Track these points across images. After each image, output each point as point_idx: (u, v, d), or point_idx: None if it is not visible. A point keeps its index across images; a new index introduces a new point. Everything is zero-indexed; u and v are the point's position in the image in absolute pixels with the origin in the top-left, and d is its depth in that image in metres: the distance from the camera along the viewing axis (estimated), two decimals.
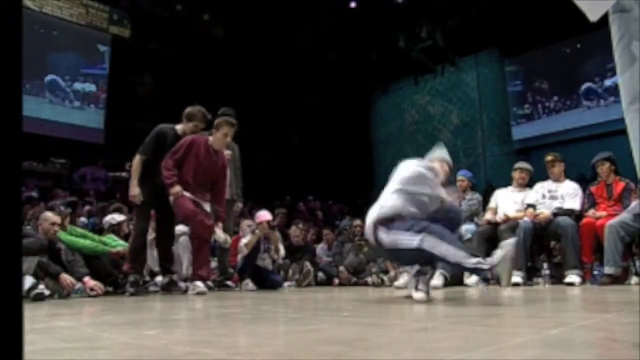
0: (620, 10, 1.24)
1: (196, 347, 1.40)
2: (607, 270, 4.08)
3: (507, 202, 5.02)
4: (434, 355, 1.20)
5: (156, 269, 5.07)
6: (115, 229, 5.00)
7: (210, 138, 4.37)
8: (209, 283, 5.01)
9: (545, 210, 4.61)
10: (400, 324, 2.00)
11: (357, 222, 6.26)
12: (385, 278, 5.26)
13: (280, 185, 11.61)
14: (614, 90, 10.46)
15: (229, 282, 5.04)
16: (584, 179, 6.49)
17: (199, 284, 4.13)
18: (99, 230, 5.50)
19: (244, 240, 5.17)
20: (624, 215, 4.20)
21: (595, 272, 4.40)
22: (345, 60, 13.06)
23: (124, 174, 8.80)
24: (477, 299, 3.36)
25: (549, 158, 4.94)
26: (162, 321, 2.32)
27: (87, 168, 10.20)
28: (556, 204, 4.67)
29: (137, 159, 4.29)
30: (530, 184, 5.08)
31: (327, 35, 12.41)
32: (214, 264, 5.72)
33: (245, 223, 5.74)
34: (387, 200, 2.85)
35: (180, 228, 5.27)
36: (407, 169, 2.92)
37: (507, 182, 5.44)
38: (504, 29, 11.39)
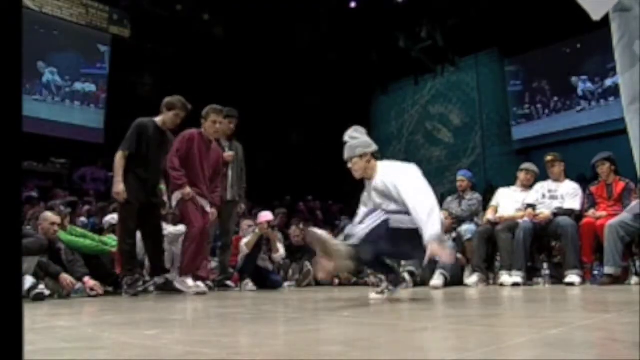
0: (620, 9, 1.24)
1: (196, 347, 1.40)
2: (607, 270, 4.08)
3: (508, 201, 5.01)
4: (434, 355, 1.20)
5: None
6: (115, 229, 5.00)
7: (203, 130, 4.37)
8: (209, 283, 5.01)
9: (545, 211, 4.61)
10: (400, 324, 2.00)
11: None
12: None
13: (280, 185, 11.61)
14: (614, 90, 10.46)
15: (229, 282, 5.04)
16: (584, 179, 6.49)
17: (200, 283, 4.13)
18: (99, 230, 5.50)
19: (244, 240, 5.18)
20: (624, 215, 4.20)
21: (595, 272, 4.40)
22: (345, 60, 13.06)
23: None
24: (477, 299, 3.36)
25: (548, 158, 4.94)
26: (162, 321, 2.32)
27: (87, 168, 10.20)
28: (556, 204, 4.67)
29: (119, 155, 4.18)
30: (532, 185, 5.08)
31: (327, 35, 12.41)
32: (214, 264, 5.72)
33: (246, 223, 5.74)
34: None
35: (180, 228, 5.27)
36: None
37: (507, 182, 5.44)
38: (504, 29, 11.39)
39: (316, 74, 12.86)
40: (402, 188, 2.82)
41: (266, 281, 5.06)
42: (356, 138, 3.13)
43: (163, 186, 4.49)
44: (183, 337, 1.69)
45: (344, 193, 11.91)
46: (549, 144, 10.63)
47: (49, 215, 4.16)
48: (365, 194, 3.17)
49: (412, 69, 13.77)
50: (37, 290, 3.40)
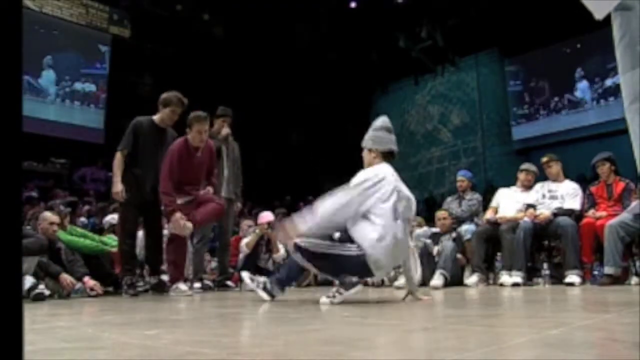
0: (622, 8, 1.24)
1: (196, 347, 1.39)
2: (607, 270, 4.08)
3: (509, 201, 5.01)
4: (434, 355, 1.20)
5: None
6: (115, 229, 5.00)
7: (189, 137, 4.21)
8: (209, 283, 5.01)
9: (545, 211, 4.61)
10: (400, 324, 2.00)
11: None
12: (385, 278, 5.26)
13: (280, 185, 11.61)
14: (614, 90, 10.47)
15: (229, 282, 5.03)
16: (584, 179, 6.49)
17: (182, 286, 4.08)
18: (99, 230, 5.51)
19: (245, 240, 5.18)
20: (624, 216, 4.19)
21: (595, 272, 4.40)
22: (346, 60, 13.07)
23: None
24: (477, 299, 3.36)
25: (544, 159, 4.94)
26: (162, 321, 2.32)
27: (87, 168, 10.20)
28: (556, 204, 4.67)
29: (117, 156, 4.16)
30: (531, 185, 5.08)
31: (327, 35, 12.42)
32: (214, 264, 5.73)
33: (246, 223, 5.75)
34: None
35: None
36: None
37: (507, 182, 5.44)
38: (504, 29, 11.40)
39: (316, 74, 12.87)
40: None
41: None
42: (378, 130, 3.08)
43: None
44: (183, 337, 1.69)
45: None
46: (549, 144, 10.65)
47: (48, 215, 4.16)
48: None
49: (412, 69, 13.78)
50: (37, 290, 3.40)
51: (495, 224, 4.86)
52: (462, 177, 5.58)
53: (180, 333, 1.80)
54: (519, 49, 12.09)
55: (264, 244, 5.17)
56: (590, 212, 4.54)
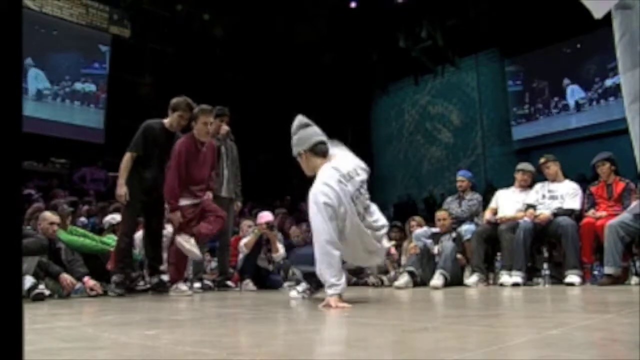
0: (622, 7, 1.24)
1: (196, 347, 1.39)
2: (607, 270, 4.08)
3: (508, 202, 5.01)
4: (434, 355, 1.20)
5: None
6: (115, 228, 4.99)
7: (195, 132, 4.27)
8: (209, 282, 5.02)
9: (545, 211, 4.61)
10: (400, 324, 2.00)
11: None
12: (385, 278, 5.26)
13: (280, 185, 11.61)
14: (614, 90, 10.47)
15: (229, 282, 5.03)
16: (584, 179, 6.48)
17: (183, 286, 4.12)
18: (99, 230, 5.50)
19: (244, 240, 5.18)
20: (624, 216, 4.19)
21: (595, 272, 4.39)
22: (345, 60, 13.06)
23: None
24: (477, 299, 3.36)
25: (541, 161, 4.94)
26: (162, 321, 2.32)
27: (87, 168, 10.19)
28: (556, 204, 4.67)
29: (127, 156, 4.18)
30: (531, 185, 5.08)
31: (327, 35, 12.41)
32: (214, 264, 5.72)
33: (246, 223, 5.74)
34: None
35: None
36: None
37: (507, 183, 5.44)
38: (504, 29, 11.39)
39: (316, 74, 12.86)
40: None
41: (266, 281, 5.06)
42: (295, 132, 2.90)
43: None
44: (183, 337, 1.69)
45: None
46: (549, 144, 10.64)
47: (48, 214, 4.16)
48: None
49: (412, 69, 13.77)
50: (37, 290, 3.40)
51: (495, 224, 4.86)
52: (462, 177, 5.58)
53: (180, 333, 1.80)
54: (519, 49, 12.08)
55: (264, 243, 5.17)
56: (590, 212, 4.54)
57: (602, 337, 1.43)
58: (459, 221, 5.23)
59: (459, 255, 4.80)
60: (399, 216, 7.94)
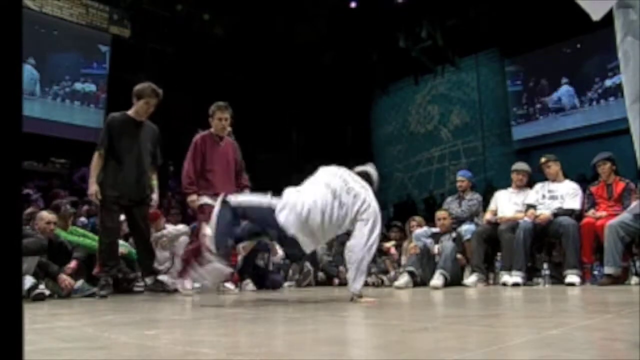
0: (623, 7, 1.24)
1: (196, 347, 1.39)
2: (607, 270, 4.08)
3: (507, 203, 5.02)
4: (434, 355, 1.20)
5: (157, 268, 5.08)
6: None
7: (212, 128, 4.46)
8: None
9: (545, 211, 4.61)
10: (400, 324, 2.00)
11: None
12: (385, 278, 5.27)
13: (280, 185, 11.60)
14: (614, 90, 10.47)
15: (228, 283, 5.03)
16: (584, 179, 6.48)
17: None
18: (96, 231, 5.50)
19: (242, 242, 5.18)
20: (624, 216, 4.19)
21: (595, 272, 4.39)
22: (345, 60, 13.07)
23: None
24: (477, 299, 3.36)
25: (542, 160, 4.94)
26: (162, 321, 2.32)
27: (87, 168, 10.16)
28: (556, 204, 4.67)
29: (95, 156, 4.01)
30: (530, 184, 5.08)
31: (327, 35, 12.42)
32: None
33: None
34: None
35: (179, 228, 5.28)
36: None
37: (507, 183, 5.44)
38: (504, 29, 11.39)
39: (316, 73, 12.86)
40: None
41: (266, 281, 5.06)
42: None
43: (155, 182, 4.30)
44: (183, 337, 1.69)
45: None
46: (549, 144, 10.64)
47: (45, 214, 4.16)
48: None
49: (412, 69, 13.77)
50: (37, 291, 3.40)
51: (495, 224, 4.86)
52: (462, 177, 5.58)
53: (180, 333, 1.80)
54: (519, 49, 12.08)
55: (261, 248, 5.19)
56: (590, 212, 4.54)
57: (602, 337, 1.43)
58: (459, 221, 5.23)
59: (459, 255, 4.80)
60: (399, 216, 7.96)
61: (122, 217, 4.70)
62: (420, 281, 4.64)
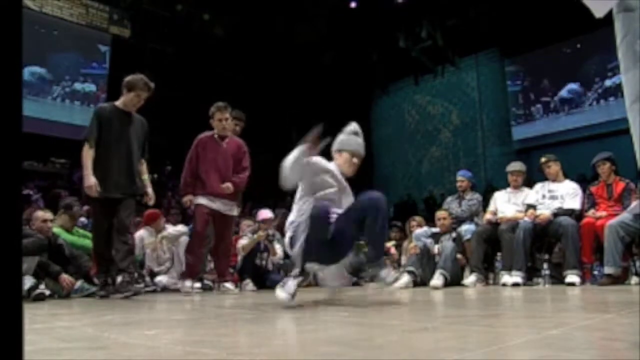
0: (624, 10, 1.24)
1: (196, 347, 1.39)
2: (607, 270, 4.08)
3: (506, 204, 5.02)
4: (434, 355, 1.20)
5: (156, 268, 5.08)
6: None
7: (215, 130, 4.53)
8: (209, 282, 5.02)
9: (545, 211, 4.61)
10: (400, 324, 2.00)
11: None
12: None
13: (280, 185, 11.60)
14: (614, 90, 10.47)
15: (228, 283, 5.03)
16: (584, 179, 6.49)
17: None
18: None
19: (242, 242, 5.18)
20: (624, 216, 4.19)
21: (595, 272, 4.40)
22: (345, 60, 13.07)
23: None
24: (477, 299, 3.36)
25: (542, 160, 4.94)
26: (162, 321, 2.32)
27: None
28: (556, 204, 4.67)
29: (85, 148, 3.82)
30: (530, 184, 5.08)
31: (327, 35, 12.42)
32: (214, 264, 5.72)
33: (245, 223, 5.74)
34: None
35: (179, 228, 5.28)
36: None
37: (507, 183, 5.44)
38: (504, 29, 11.40)
39: (316, 74, 12.87)
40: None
41: (266, 281, 5.06)
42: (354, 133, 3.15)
43: (146, 176, 4.09)
44: (183, 337, 1.69)
45: None
46: (549, 144, 10.65)
47: (40, 213, 4.15)
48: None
49: (412, 69, 13.78)
50: (37, 291, 3.39)
51: (495, 224, 4.86)
52: (462, 177, 5.58)
53: (180, 333, 1.80)
54: (519, 49, 12.09)
55: (261, 249, 5.21)
56: (590, 212, 4.54)
57: (602, 337, 1.43)
58: (459, 221, 5.23)
59: (459, 255, 4.80)
60: (399, 216, 7.96)
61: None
62: (420, 281, 4.64)
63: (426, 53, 12.85)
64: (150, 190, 4.06)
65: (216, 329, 1.88)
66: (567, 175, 4.99)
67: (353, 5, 12.18)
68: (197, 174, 4.41)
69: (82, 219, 6.57)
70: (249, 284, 4.94)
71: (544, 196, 4.79)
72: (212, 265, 5.80)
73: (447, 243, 4.80)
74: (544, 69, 11.99)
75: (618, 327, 1.65)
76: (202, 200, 4.37)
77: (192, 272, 4.41)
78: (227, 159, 4.48)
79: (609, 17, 1.29)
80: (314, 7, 11.75)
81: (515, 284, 4.29)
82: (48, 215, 4.14)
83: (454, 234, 4.98)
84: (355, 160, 3.04)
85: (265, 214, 5.28)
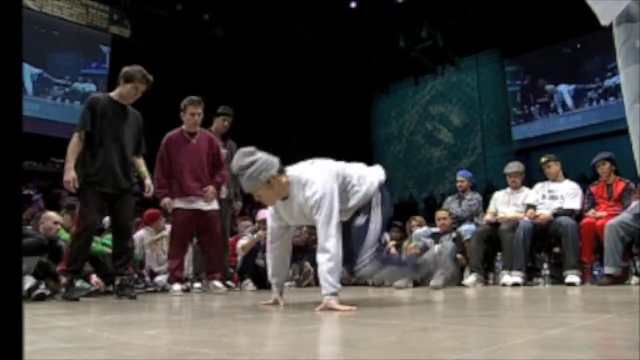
0: (626, 20, 1.25)
1: (196, 347, 1.39)
2: (607, 270, 4.08)
3: (505, 205, 5.02)
4: (434, 355, 1.20)
5: (156, 269, 5.09)
6: None
7: (184, 124, 4.37)
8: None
9: (545, 211, 4.61)
10: (400, 324, 2.00)
11: None
12: None
13: None
14: (614, 91, 10.47)
15: (228, 282, 5.04)
16: (585, 179, 6.48)
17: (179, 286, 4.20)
18: (98, 230, 5.49)
19: (241, 242, 5.18)
20: (624, 215, 4.20)
21: (595, 272, 4.40)
22: (345, 61, 13.06)
23: None
24: (477, 299, 3.36)
25: (543, 160, 4.95)
26: (162, 321, 2.32)
27: None
28: (556, 204, 4.67)
29: (74, 138, 3.62)
30: (530, 185, 5.08)
31: (328, 35, 12.41)
32: None
33: (244, 224, 5.75)
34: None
35: None
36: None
37: (507, 183, 5.45)
38: (504, 29, 11.39)
39: (316, 74, 12.86)
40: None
41: (266, 281, 5.06)
42: (252, 164, 2.62)
43: (144, 168, 3.97)
44: (183, 337, 1.69)
45: None
46: (549, 144, 10.64)
47: (52, 214, 4.16)
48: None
49: (412, 69, 13.77)
50: (38, 291, 3.40)
51: (495, 224, 4.86)
52: (462, 177, 5.59)
53: (180, 333, 1.80)
54: (519, 49, 12.08)
55: (261, 249, 5.21)
56: (590, 212, 4.54)
57: (602, 337, 1.43)
58: (459, 221, 5.24)
59: (459, 255, 4.81)
60: (399, 216, 7.95)
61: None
62: (420, 281, 4.64)
63: (426, 53, 12.84)
64: (148, 181, 3.93)
65: (216, 329, 1.88)
66: (567, 175, 5.00)
67: (353, 5, 12.18)
68: (171, 174, 4.27)
69: None
70: (249, 284, 4.94)
71: (544, 196, 4.80)
72: None
73: (447, 243, 4.81)
74: (544, 69, 11.98)
75: (618, 327, 1.65)
76: (180, 204, 4.24)
77: (176, 277, 4.24)
78: (200, 157, 4.32)
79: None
80: (314, 8, 11.75)
81: (515, 284, 4.29)
82: (59, 218, 4.15)
83: (454, 234, 4.98)
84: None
85: (265, 214, 5.28)
